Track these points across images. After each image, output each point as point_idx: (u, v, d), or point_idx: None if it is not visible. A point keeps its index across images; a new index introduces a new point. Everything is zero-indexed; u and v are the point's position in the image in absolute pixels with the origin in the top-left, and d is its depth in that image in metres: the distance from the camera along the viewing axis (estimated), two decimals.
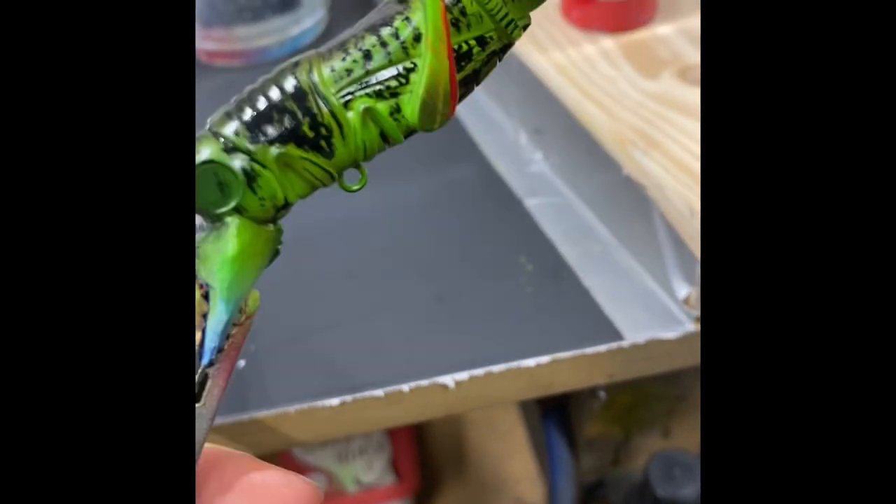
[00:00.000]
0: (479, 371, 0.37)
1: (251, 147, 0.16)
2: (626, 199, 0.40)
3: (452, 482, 0.69)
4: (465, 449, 0.71)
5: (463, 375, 0.37)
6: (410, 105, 0.16)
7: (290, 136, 0.16)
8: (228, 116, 0.16)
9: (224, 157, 0.16)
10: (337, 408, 0.36)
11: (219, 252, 0.16)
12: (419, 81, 0.16)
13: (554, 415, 0.53)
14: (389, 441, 0.67)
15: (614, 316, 0.39)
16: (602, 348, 0.37)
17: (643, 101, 0.42)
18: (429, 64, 0.16)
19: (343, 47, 0.16)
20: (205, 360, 0.16)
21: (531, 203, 0.45)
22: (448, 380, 0.37)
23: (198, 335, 0.16)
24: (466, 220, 0.45)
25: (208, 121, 0.16)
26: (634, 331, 0.38)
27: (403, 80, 0.16)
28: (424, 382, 0.37)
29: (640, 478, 0.48)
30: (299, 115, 0.16)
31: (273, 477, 0.16)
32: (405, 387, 0.37)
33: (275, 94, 0.16)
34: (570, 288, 0.40)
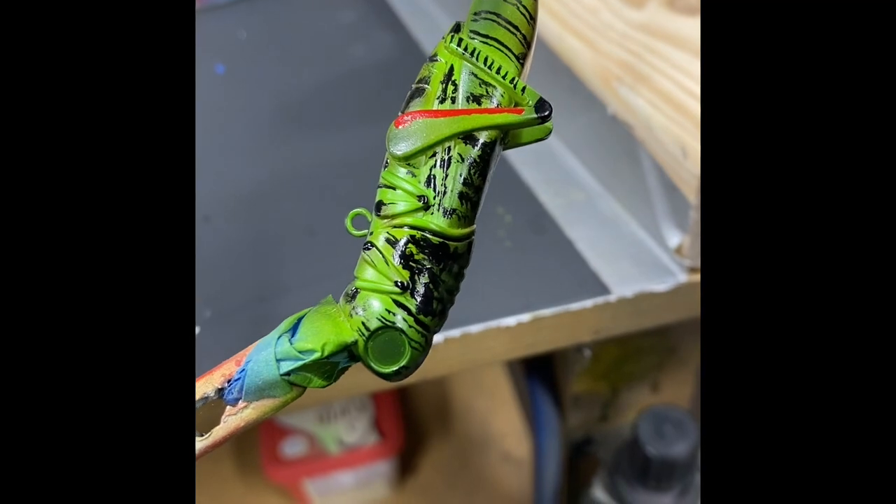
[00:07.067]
0: (456, 332, 0.34)
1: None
2: (612, 140, 0.37)
3: (438, 439, 0.68)
4: (450, 405, 0.70)
5: (436, 337, 0.34)
6: None
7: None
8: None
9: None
10: None
11: None
12: None
13: (538, 371, 0.50)
14: (372, 400, 0.65)
15: (600, 268, 0.36)
16: (587, 304, 0.35)
17: (629, 33, 0.38)
18: None
19: None
20: None
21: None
22: None
23: None
24: None
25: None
26: (622, 284, 0.35)
27: None
28: None
29: (630, 434, 0.46)
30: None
31: None
32: None
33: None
34: (553, 240, 0.38)
